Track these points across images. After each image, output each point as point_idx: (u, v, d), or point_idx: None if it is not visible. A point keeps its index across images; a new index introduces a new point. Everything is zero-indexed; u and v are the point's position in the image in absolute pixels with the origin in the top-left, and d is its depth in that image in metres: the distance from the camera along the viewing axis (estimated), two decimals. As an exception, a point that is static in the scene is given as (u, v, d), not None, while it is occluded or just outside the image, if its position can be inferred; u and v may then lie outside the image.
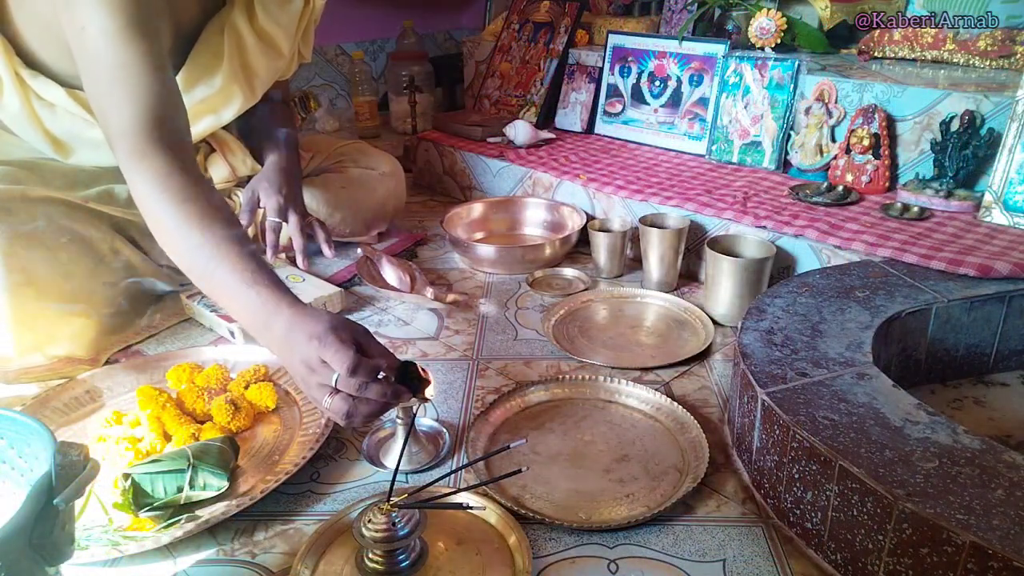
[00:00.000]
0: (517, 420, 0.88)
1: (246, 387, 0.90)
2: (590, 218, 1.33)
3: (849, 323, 0.85)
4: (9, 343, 0.90)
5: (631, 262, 1.30)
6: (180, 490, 0.71)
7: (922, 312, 0.90)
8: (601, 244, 1.24)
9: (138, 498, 0.70)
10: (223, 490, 0.73)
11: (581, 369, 0.98)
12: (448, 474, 0.78)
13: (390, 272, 1.21)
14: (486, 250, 1.28)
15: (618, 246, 1.25)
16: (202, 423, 0.85)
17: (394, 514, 0.62)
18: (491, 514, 0.71)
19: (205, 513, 0.71)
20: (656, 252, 1.18)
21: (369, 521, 0.62)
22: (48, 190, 0.99)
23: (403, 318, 1.14)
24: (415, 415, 0.79)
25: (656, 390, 0.90)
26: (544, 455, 0.81)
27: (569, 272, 1.27)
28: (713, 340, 1.05)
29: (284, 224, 1.15)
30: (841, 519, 0.63)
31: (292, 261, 1.23)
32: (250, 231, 1.22)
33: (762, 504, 0.73)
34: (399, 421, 0.79)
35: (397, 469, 0.67)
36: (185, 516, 0.70)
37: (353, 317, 1.13)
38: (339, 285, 1.17)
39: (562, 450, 0.82)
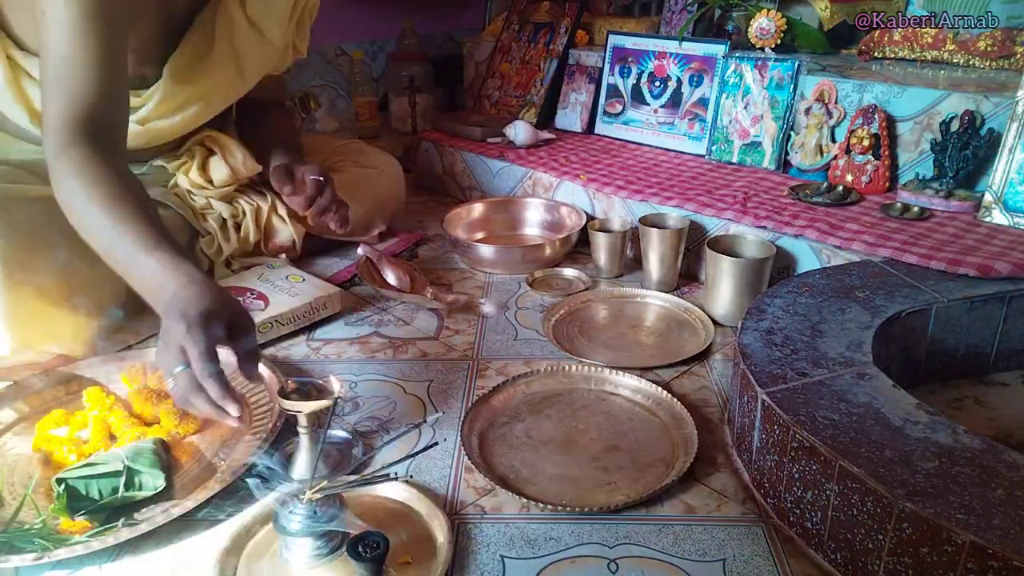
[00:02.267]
0: (518, 406, 0.89)
1: None
2: (590, 218, 1.33)
3: (849, 323, 0.85)
4: (6, 340, 0.90)
5: (631, 262, 1.30)
6: (116, 491, 0.71)
7: (922, 312, 0.90)
8: (601, 244, 1.24)
9: (73, 502, 0.70)
10: (160, 489, 0.73)
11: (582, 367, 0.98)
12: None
13: (390, 272, 1.21)
14: (486, 250, 1.28)
15: (618, 246, 1.24)
16: (150, 426, 0.84)
17: (314, 503, 0.62)
18: (415, 499, 0.73)
19: (144, 517, 0.70)
20: (656, 252, 1.18)
21: (290, 512, 0.62)
22: (47, 189, 0.99)
23: (403, 318, 1.14)
24: (328, 423, 0.75)
25: (658, 385, 0.90)
26: (536, 439, 0.83)
27: (569, 272, 1.27)
28: (713, 340, 1.05)
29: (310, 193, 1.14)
30: (841, 519, 0.63)
31: (292, 261, 1.24)
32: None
33: (762, 504, 0.73)
34: (302, 430, 0.74)
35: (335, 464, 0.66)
36: (122, 521, 0.70)
37: (353, 317, 1.13)
38: (339, 285, 1.17)
39: (554, 436, 0.84)
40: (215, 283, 0.75)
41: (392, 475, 0.66)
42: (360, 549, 0.62)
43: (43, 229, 0.94)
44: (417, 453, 0.76)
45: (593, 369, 0.94)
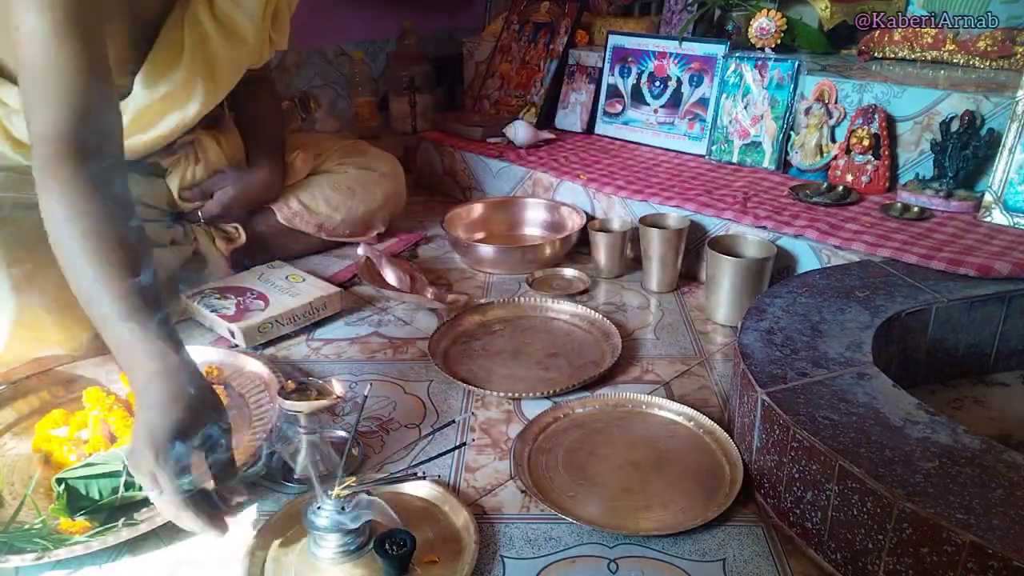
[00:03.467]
0: (554, 431, 0.86)
1: None
2: (590, 218, 1.33)
3: (849, 323, 0.85)
4: (3, 345, 0.90)
5: (631, 262, 1.30)
6: (116, 491, 0.71)
7: (922, 312, 0.90)
8: (601, 244, 1.24)
9: (73, 502, 0.70)
10: None
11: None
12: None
13: (390, 272, 1.21)
14: (486, 250, 1.28)
15: (618, 246, 1.24)
16: None
17: (342, 499, 0.63)
18: (441, 499, 0.73)
19: (143, 517, 0.70)
20: (656, 252, 1.18)
21: (318, 508, 0.63)
22: None
23: (403, 318, 1.14)
24: (321, 425, 0.77)
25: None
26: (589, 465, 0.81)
27: (569, 272, 1.27)
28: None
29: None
30: (841, 519, 0.63)
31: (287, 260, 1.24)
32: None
33: (762, 504, 0.73)
34: (302, 431, 0.75)
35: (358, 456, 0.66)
36: (122, 521, 0.70)
37: (353, 317, 1.13)
38: (339, 285, 1.17)
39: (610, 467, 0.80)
40: (189, 368, 0.69)
41: (419, 473, 0.66)
42: (387, 547, 0.63)
43: (46, 237, 0.94)
44: (446, 453, 0.76)
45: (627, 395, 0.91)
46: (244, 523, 0.72)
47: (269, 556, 0.68)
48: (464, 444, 0.74)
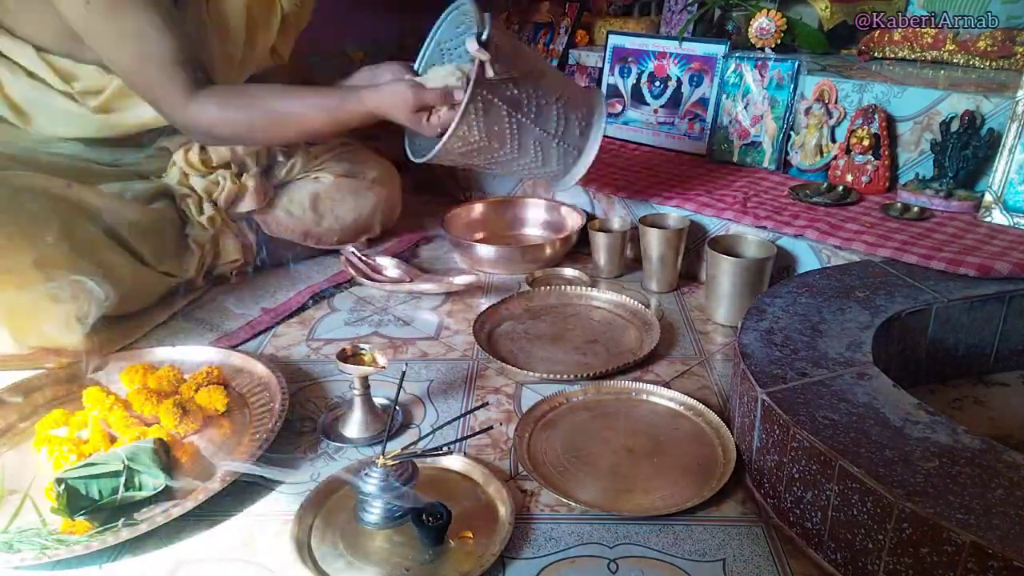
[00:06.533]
0: (555, 417, 0.88)
1: (196, 390, 0.89)
2: (590, 218, 1.33)
3: (849, 323, 0.85)
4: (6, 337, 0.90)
5: (631, 262, 1.30)
6: (116, 491, 0.71)
7: (922, 312, 0.90)
8: (601, 244, 1.24)
9: (73, 502, 0.70)
10: (160, 489, 0.73)
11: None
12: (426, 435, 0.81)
13: (388, 262, 1.22)
14: (486, 250, 1.28)
15: (618, 246, 1.24)
16: (150, 426, 0.84)
17: (388, 468, 0.67)
18: (477, 473, 0.77)
19: (143, 517, 0.70)
20: (656, 252, 1.18)
21: (366, 475, 0.67)
22: (31, 177, 0.99)
23: (403, 318, 1.14)
24: (368, 386, 0.84)
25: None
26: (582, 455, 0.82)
27: (569, 272, 1.27)
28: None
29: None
30: (841, 519, 0.63)
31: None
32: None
33: (762, 504, 0.73)
34: (355, 391, 0.83)
35: (391, 423, 0.69)
36: (122, 521, 0.70)
37: (353, 317, 1.13)
38: (338, 285, 1.17)
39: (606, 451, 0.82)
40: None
41: (446, 449, 0.74)
42: (424, 517, 0.66)
43: (27, 221, 0.93)
44: (474, 435, 0.83)
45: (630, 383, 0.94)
46: (215, 528, 0.72)
47: (319, 516, 0.71)
48: (485, 404, 0.85)
